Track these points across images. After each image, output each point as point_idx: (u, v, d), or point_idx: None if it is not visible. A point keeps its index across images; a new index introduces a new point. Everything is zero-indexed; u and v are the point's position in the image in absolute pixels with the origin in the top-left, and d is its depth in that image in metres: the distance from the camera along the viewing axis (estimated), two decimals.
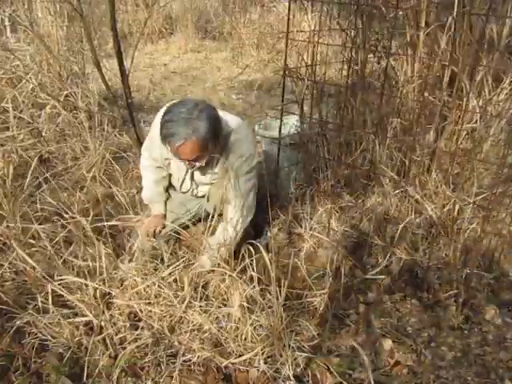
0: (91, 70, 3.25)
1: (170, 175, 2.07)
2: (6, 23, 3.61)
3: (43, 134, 2.79)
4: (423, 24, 2.13)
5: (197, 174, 1.95)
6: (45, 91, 3.09)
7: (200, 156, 1.72)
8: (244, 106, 4.03)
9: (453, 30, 1.99)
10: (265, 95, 4.46)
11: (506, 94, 2.21)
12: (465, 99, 2.03)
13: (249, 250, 1.57)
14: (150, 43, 6.50)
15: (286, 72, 2.17)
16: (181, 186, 2.04)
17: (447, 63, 2.04)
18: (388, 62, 1.99)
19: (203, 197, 2.04)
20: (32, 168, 2.16)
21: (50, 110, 2.95)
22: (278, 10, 6.01)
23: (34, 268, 1.60)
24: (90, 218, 1.64)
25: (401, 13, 2.21)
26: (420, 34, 2.12)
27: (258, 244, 1.55)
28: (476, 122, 2.17)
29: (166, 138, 1.68)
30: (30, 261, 1.58)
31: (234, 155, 1.82)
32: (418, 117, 2.08)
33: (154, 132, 1.85)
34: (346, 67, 2.24)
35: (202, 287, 1.59)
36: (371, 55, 2.36)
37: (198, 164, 1.77)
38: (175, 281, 1.58)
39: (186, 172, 1.95)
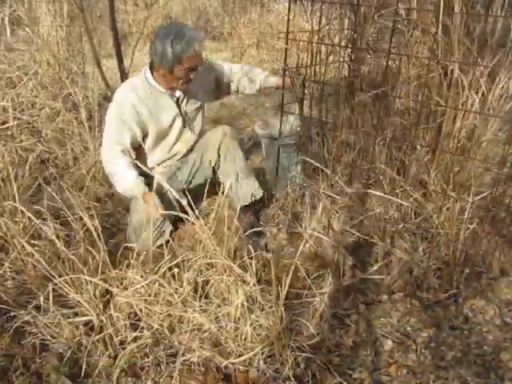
0: (91, 70, 3.25)
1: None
2: (6, 23, 3.61)
3: (43, 134, 2.78)
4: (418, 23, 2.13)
5: (188, 106, 2.16)
6: (44, 91, 3.08)
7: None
8: (244, 106, 4.02)
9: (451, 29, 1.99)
10: (264, 95, 4.45)
11: (502, 89, 2.20)
12: (462, 97, 2.03)
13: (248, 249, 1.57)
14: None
15: (286, 72, 2.17)
16: (174, 130, 2.14)
17: (444, 62, 2.04)
18: (387, 62, 1.98)
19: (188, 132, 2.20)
20: (32, 168, 2.16)
21: (49, 110, 2.95)
22: (278, 10, 5.99)
23: (34, 267, 1.60)
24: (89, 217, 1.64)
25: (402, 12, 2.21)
26: (414, 33, 2.12)
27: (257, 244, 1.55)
28: (474, 120, 2.16)
29: (188, 44, 1.92)
30: (32, 259, 1.58)
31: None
32: (418, 116, 2.08)
33: (124, 99, 2.05)
34: (344, 67, 2.25)
35: (202, 286, 1.59)
36: (369, 55, 2.36)
37: (197, 70, 1.99)
38: (175, 278, 1.58)
39: (178, 107, 2.12)
